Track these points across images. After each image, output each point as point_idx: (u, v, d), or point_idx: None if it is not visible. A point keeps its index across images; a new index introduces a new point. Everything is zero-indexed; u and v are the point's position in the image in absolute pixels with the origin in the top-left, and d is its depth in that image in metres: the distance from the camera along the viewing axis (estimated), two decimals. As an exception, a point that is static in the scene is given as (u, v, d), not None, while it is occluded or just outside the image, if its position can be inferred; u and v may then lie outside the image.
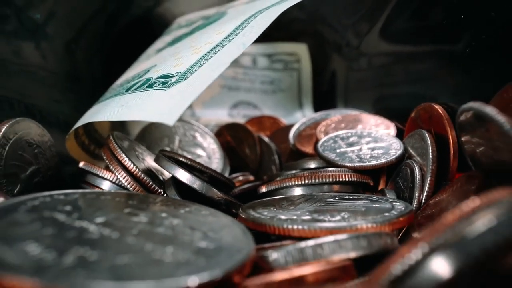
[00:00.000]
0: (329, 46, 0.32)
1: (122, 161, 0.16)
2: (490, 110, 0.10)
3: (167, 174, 0.18)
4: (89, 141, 0.24)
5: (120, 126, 0.26)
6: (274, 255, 0.09)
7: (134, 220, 0.10)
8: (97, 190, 0.15)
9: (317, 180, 0.17)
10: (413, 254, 0.07)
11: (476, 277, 0.07)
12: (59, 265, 0.07)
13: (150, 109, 0.12)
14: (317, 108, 0.33)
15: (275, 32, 0.28)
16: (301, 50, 0.33)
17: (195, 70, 0.13)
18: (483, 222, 0.07)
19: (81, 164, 0.18)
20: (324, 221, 0.12)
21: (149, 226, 0.09)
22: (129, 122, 0.26)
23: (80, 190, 0.12)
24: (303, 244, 0.10)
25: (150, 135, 0.24)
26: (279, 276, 0.08)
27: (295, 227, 0.11)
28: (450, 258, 0.07)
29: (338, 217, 0.12)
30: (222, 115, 0.31)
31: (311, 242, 0.09)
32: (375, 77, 0.29)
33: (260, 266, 0.09)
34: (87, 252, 0.07)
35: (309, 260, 0.09)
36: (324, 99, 0.33)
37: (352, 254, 0.10)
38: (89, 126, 0.22)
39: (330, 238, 0.10)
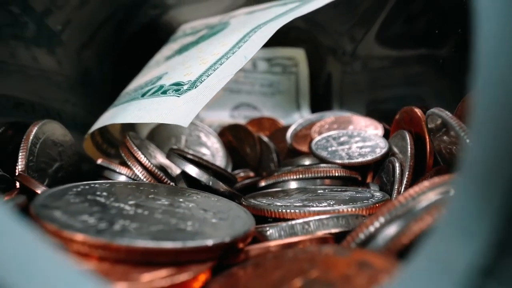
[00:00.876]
0: (325, 51, 0.35)
1: (138, 158, 0.19)
2: (445, 115, 0.13)
3: (175, 170, 0.21)
4: (102, 141, 0.27)
5: (130, 127, 0.29)
6: (270, 231, 0.12)
7: (158, 203, 0.12)
8: (124, 181, 0.18)
9: (310, 175, 0.20)
10: (374, 224, 0.10)
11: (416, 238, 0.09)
12: (112, 230, 0.10)
13: (166, 113, 0.15)
14: (314, 109, 0.36)
15: (274, 38, 0.31)
16: (299, 54, 0.36)
17: (204, 80, 0.16)
18: (424, 199, 0.10)
19: (99, 161, 0.21)
20: (312, 206, 0.14)
21: (170, 207, 0.12)
22: (138, 124, 0.29)
23: (110, 181, 0.14)
24: (293, 221, 0.12)
25: (159, 135, 0.26)
26: (273, 243, 0.11)
27: (287, 211, 0.14)
28: (399, 226, 0.10)
29: (324, 204, 0.15)
30: (224, 116, 0.33)
31: (299, 220, 0.12)
32: (368, 80, 0.31)
33: (258, 239, 0.12)
34: (128, 223, 0.10)
35: (298, 234, 0.12)
36: (320, 101, 0.36)
37: (333, 230, 0.12)
38: (103, 127, 0.25)
39: (316, 217, 0.12)
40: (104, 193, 0.12)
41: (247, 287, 0.09)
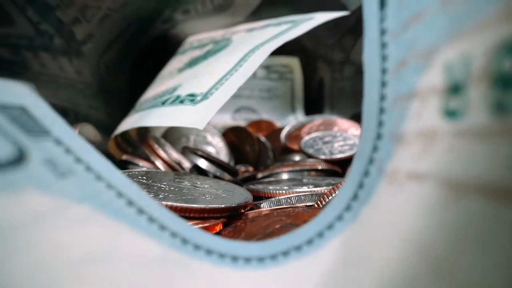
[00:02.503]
0: (317, 59, 0.41)
1: (160, 154, 0.25)
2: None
3: (187, 164, 0.27)
4: (122, 140, 0.33)
5: (144, 129, 0.35)
6: (262, 204, 0.18)
7: (182, 185, 0.18)
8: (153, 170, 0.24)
9: (298, 168, 0.25)
10: (332, 195, 0.16)
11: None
12: (158, 198, 0.15)
13: (185, 118, 0.21)
14: (307, 112, 0.42)
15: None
16: (294, 63, 0.41)
17: (213, 92, 0.22)
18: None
19: (124, 157, 0.27)
20: (297, 188, 0.20)
21: (192, 187, 0.18)
22: (152, 127, 0.35)
23: (144, 169, 0.20)
24: (280, 197, 0.18)
25: (171, 135, 0.32)
26: (264, 210, 0.17)
27: (276, 191, 0.19)
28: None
29: (305, 187, 0.20)
30: (226, 119, 0.39)
31: (284, 196, 0.18)
32: (353, 85, 0.37)
33: (254, 209, 0.18)
34: (167, 195, 0.16)
35: (282, 205, 0.18)
36: (313, 105, 0.42)
37: (308, 204, 0.18)
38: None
39: (296, 194, 0.18)
40: (144, 177, 0.18)
41: (246, 231, 0.14)
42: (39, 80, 0.34)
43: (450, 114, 0.07)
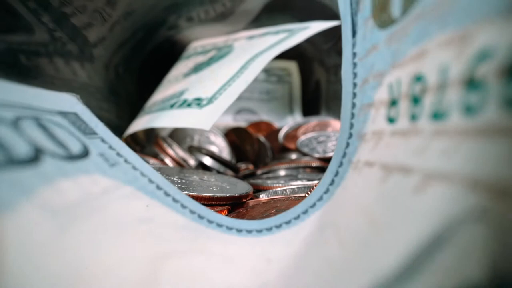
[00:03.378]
0: (314, 63, 0.44)
1: (168, 152, 0.28)
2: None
3: (191, 162, 0.30)
4: (131, 140, 0.36)
5: (151, 130, 0.38)
6: (261, 194, 0.21)
7: (191, 178, 0.22)
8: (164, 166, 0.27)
9: (294, 165, 0.29)
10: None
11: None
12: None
13: (193, 120, 0.24)
14: (305, 113, 0.45)
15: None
16: (292, 66, 0.45)
17: (218, 97, 0.25)
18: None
19: (135, 155, 0.30)
20: (292, 182, 0.23)
21: (200, 180, 0.21)
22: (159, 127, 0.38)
23: (157, 165, 0.23)
24: (276, 189, 0.21)
25: (177, 136, 0.35)
26: (262, 199, 0.20)
27: (274, 184, 0.23)
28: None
29: (299, 182, 0.24)
30: (228, 120, 0.43)
31: (280, 188, 0.21)
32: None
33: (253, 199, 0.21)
34: (180, 186, 0.19)
35: (279, 196, 0.21)
36: (310, 106, 0.45)
37: (301, 195, 0.21)
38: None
39: (291, 187, 0.22)
40: (158, 172, 0.22)
41: (247, 216, 0.18)
42: (54, 84, 0.37)
43: (390, 120, 0.10)
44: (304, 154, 0.31)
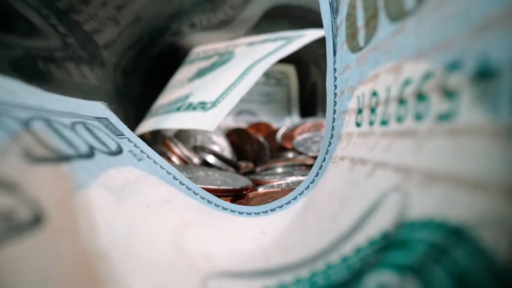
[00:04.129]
0: (311, 67, 0.47)
1: (175, 151, 0.31)
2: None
3: (195, 160, 0.33)
4: (138, 140, 0.39)
5: (156, 131, 0.42)
6: (260, 188, 0.25)
7: (197, 174, 0.25)
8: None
9: (290, 163, 0.32)
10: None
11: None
12: (183, 181, 0.22)
13: (198, 122, 0.28)
14: (302, 114, 0.49)
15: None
16: (290, 70, 0.48)
17: (221, 101, 0.29)
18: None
19: (144, 154, 0.34)
20: (286, 177, 0.27)
21: (205, 175, 0.25)
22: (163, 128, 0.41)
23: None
24: (273, 183, 0.25)
25: (181, 136, 0.39)
26: (260, 192, 0.23)
27: (271, 179, 0.26)
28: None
29: (293, 177, 0.27)
30: (229, 121, 0.46)
31: (275, 183, 0.25)
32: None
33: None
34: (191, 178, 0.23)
35: (275, 188, 0.24)
36: (307, 108, 0.49)
37: (295, 188, 0.25)
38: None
39: (285, 181, 0.25)
40: (168, 168, 0.25)
41: (247, 205, 0.21)
42: (65, 87, 0.41)
43: (357, 124, 0.14)
44: (300, 153, 0.34)
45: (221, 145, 0.39)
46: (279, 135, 0.39)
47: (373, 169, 0.11)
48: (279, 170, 0.33)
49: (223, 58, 0.37)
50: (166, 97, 0.37)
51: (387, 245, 0.08)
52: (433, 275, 0.06)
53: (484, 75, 0.07)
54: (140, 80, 0.47)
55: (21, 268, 0.07)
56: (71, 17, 0.35)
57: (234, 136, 0.41)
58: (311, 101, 0.49)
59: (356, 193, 0.11)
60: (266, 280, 0.09)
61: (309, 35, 0.35)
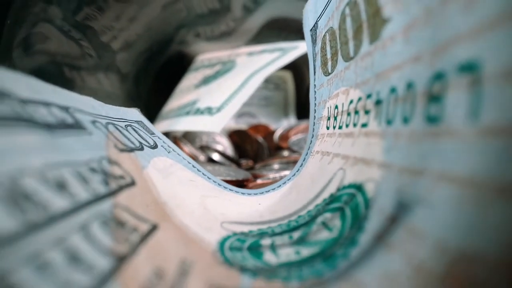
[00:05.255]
0: (305, 73, 0.54)
1: (185, 150, 0.38)
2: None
3: (201, 157, 0.40)
4: (149, 140, 0.46)
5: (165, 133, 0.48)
6: (258, 180, 0.31)
7: (206, 168, 0.31)
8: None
9: (285, 161, 0.39)
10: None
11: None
12: (195, 173, 0.29)
13: (205, 125, 0.34)
14: (299, 116, 0.55)
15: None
16: (287, 75, 0.55)
17: (225, 107, 0.35)
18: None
19: (156, 153, 0.40)
20: (281, 172, 0.33)
21: (213, 170, 0.31)
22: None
23: (179, 159, 0.33)
24: (269, 176, 0.31)
25: (189, 136, 0.45)
26: (258, 182, 0.30)
27: (268, 173, 0.32)
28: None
29: (287, 171, 0.33)
30: (231, 123, 0.52)
31: (271, 175, 0.31)
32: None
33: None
34: (199, 172, 0.29)
35: (271, 180, 0.31)
36: (304, 110, 0.55)
37: (288, 180, 0.31)
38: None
39: (280, 175, 0.31)
40: (182, 163, 0.31)
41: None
42: (83, 94, 0.47)
43: (327, 128, 0.20)
44: (294, 151, 0.40)
45: (224, 145, 0.45)
46: (276, 135, 0.46)
47: (332, 158, 0.17)
48: (276, 166, 0.39)
49: (226, 67, 0.44)
50: (175, 101, 0.44)
51: (331, 200, 0.14)
52: (345, 211, 0.13)
53: (378, 102, 0.13)
54: (149, 85, 0.53)
55: (133, 203, 0.13)
56: (90, 29, 0.42)
57: (236, 136, 0.47)
58: (306, 104, 0.55)
59: (322, 174, 0.18)
60: (259, 226, 0.16)
61: (302, 47, 0.41)
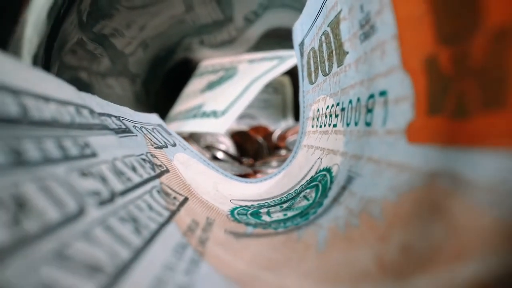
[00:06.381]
0: (303, 78, 0.60)
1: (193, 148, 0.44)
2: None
3: (206, 156, 0.46)
4: (158, 141, 0.52)
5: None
6: (258, 175, 0.37)
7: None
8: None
9: (282, 159, 0.45)
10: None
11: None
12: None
13: (211, 127, 0.40)
14: (297, 117, 0.61)
15: (267, 70, 0.56)
16: (285, 80, 0.61)
17: (229, 111, 0.41)
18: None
19: (166, 152, 0.46)
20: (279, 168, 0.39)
21: (218, 166, 0.37)
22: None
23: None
24: (267, 171, 0.37)
25: (194, 136, 0.52)
26: (258, 177, 0.36)
27: (267, 170, 0.39)
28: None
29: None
30: (233, 124, 0.59)
31: (270, 171, 0.37)
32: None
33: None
34: (207, 167, 0.35)
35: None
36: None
37: (284, 174, 0.37)
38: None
39: (277, 170, 0.38)
40: (191, 160, 0.38)
41: (249, 183, 0.34)
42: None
43: (312, 126, 0.26)
44: (291, 150, 0.47)
45: (227, 144, 0.52)
46: (274, 136, 0.52)
47: (314, 150, 0.24)
48: (274, 164, 0.45)
49: (229, 73, 0.50)
50: (182, 105, 0.50)
51: (311, 180, 0.21)
52: (319, 187, 0.19)
53: (342, 109, 0.19)
54: (157, 88, 0.59)
55: (170, 182, 0.19)
56: (104, 35, 0.48)
57: (238, 137, 0.53)
58: (303, 107, 0.61)
59: (306, 162, 0.24)
60: (259, 202, 0.22)
61: (298, 55, 0.48)
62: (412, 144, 0.11)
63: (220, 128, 0.39)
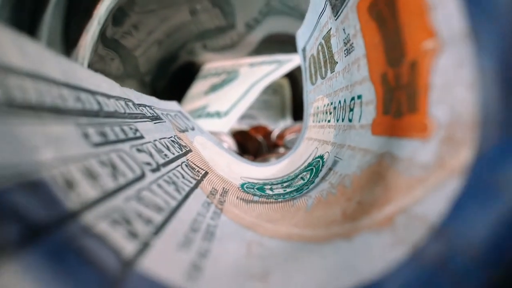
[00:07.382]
0: (300, 80, 0.66)
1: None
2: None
3: (211, 154, 0.51)
4: (163, 139, 0.57)
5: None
6: (259, 168, 0.43)
7: (218, 159, 0.43)
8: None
9: (280, 156, 0.50)
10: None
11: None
12: (211, 161, 0.40)
13: (215, 126, 0.45)
14: (295, 117, 0.67)
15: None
16: (284, 82, 0.67)
17: (231, 112, 0.47)
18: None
19: (172, 149, 0.52)
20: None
21: (223, 160, 0.43)
22: (183, 129, 0.59)
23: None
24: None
25: (197, 136, 0.57)
26: (260, 169, 0.41)
27: (264, 164, 0.44)
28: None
29: (283, 163, 0.45)
30: (234, 124, 0.64)
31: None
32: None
33: (255, 171, 0.43)
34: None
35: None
36: (299, 112, 0.67)
37: (282, 169, 0.43)
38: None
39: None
40: (198, 155, 0.43)
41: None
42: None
43: (313, 121, 0.32)
44: (288, 148, 0.52)
45: (229, 143, 0.57)
46: (273, 135, 0.57)
47: (313, 142, 0.29)
48: (273, 161, 0.51)
49: (231, 76, 0.55)
50: (187, 106, 0.55)
51: (308, 165, 0.26)
52: (313, 169, 0.24)
53: (334, 108, 0.25)
54: (161, 89, 0.65)
55: (193, 160, 0.24)
56: (115, 41, 0.53)
57: (239, 136, 0.59)
58: (301, 107, 0.67)
59: (306, 151, 0.29)
60: (264, 181, 0.27)
61: (295, 60, 0.53)
62: (373, 135, 0.17)
63: (223, 127, 0.44)
